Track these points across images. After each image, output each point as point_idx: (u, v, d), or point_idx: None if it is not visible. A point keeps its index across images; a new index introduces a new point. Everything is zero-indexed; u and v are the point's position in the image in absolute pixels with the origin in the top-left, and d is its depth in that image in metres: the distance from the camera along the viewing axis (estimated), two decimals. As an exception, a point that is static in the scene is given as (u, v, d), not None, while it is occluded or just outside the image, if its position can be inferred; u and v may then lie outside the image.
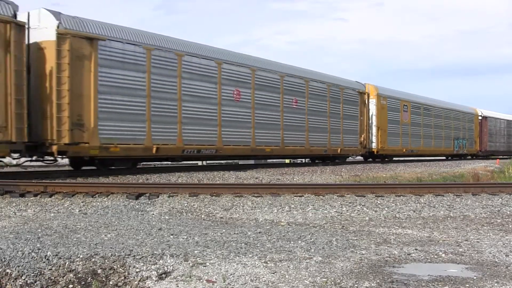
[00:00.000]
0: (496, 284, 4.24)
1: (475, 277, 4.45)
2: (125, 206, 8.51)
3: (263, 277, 4.40)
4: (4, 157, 12.87)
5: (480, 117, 40.44)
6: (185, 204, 8.70)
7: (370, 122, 26.88)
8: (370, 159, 28.47)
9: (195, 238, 5.99)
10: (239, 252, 5.24)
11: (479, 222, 7.76)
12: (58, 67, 12.87)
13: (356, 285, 4.16)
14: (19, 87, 12.13)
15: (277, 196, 9.34)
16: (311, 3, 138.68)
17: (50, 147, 12.86)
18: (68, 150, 13.15)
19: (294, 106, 21.29)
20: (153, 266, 4.76)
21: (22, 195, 9.17)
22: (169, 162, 18.63)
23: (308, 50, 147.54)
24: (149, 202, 8.83)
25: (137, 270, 4.73)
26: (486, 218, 8.10)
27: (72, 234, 6.14)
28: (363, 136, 26.05)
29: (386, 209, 8.65)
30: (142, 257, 4.94)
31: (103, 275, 4.80)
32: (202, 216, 8.09)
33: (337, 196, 9.47)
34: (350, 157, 28.10)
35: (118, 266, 4.85)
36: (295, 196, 9.35)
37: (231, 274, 4.46)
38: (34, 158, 13.75)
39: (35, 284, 4.75)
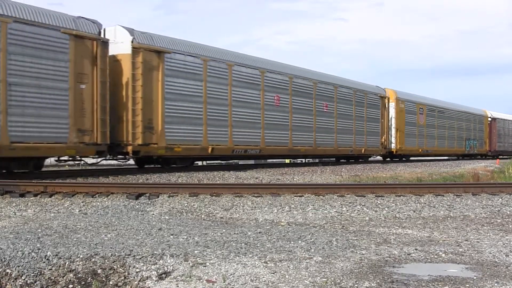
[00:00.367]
0: (496, 284, 4.24)
1: (475, 277, 4.45)
2: (125, 206, 8.51)
3: (263, 277, 4.40)
4: (87, 156, 14.77)
5: (489, 119, 42.44)
6: (185, 204, 8.69)
7: (390, 124, 28.99)
8: (388, 159, 30.42)
9: (195, 238, 5.99)
10: (239, 252, 5.24)
11: (479, 222, 7.76)
12: (133, 77, 14.85)
13: (356, 285, 4.16)
14: (103, 96, 14.02)
15: (277, 196, 9.34)
16: (311, 3, 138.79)
17: (126, 147, 14.76)
18: (140, 150, 15.05)
19: (325, 110, 23.44)
20: (153, 266, 4.76)
21: (22, 195, 9.16)
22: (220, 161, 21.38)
23: (308, 50, 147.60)
24: (149, 202, 8.83)
25: (137, 270, 4.73)
26: (486, 218, 8.10)
27: (72, 234, 6.14)
28: (383, 137, 28.20)
29: (386, 209, 8.64)
30: (142, 257, 4.94)
31: (103, 275, 4.80)
32: (202, 216, 8.09)
33: (337, 196, 9.47)
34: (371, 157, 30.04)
35: (118, 266, 4.85)
36: (295, 196, 9.35)
37: (231, 274, 4.46)
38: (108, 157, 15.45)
39: (35, 284, 4.75)
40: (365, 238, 6.27)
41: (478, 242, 6.10)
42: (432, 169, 21.44)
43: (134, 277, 4.68)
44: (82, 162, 15.44)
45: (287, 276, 4.41)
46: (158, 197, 9.15)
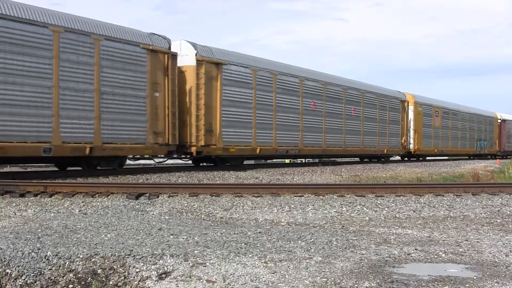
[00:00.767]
0: (496, 284, 4.24)
1: (475, 277, 4.45)
2: (125, 206, 8.51)
3: (263, 277, 4.40)
4: (156, 156, 17.07)
5: (499, 120, 44.54)
6: (185, 204, 8.69)
7: (409, 126, 30.96)
8: (406, 159, 32.28)
9: (195, 238, 5.99)
10: (239, 252, 5.24)
11: (479, 222, 7.76)
12: (197, 86, 16.78)
13: (356, 285, 4.16)
14: (173, 102, 16.02)
15: (277, 196, 9.34)
16: (311, 3, 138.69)
17: (190, 148, 16.79)
18: (203, 150, 17.02)
19: (353, 114, 25.47)
20: (153, 266, 4.76)
21: (22, 195, 9.16)
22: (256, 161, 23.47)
23: (308, 50, 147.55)
24: (149, 202, 8.83)
25: (137, 270, 4.73)
26: (486, 218, 8.10)
27: (72, 234, 6.14)
28: (403, 138, 30.29)
29: (386, 209, 8.64)
30: (142, 257, 4.94)
31: (103, 275, 4.81)
32: (202, 216, 8.09)
33: (337, 196, 9.47)
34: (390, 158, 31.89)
35: (118, 266, 4.85)
36: (295, 196, 9.35)
37: (231, 274, 4.46)
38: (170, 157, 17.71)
39: (35, 284, 4.75)
40: (365, 238, 6.28)
41: (478, 242, 6.10)
42: (432, 169, 21.45)
43: (134, 277, 4.68)
44: (154, 161, 17.88)
45: (287, 276, 4.41)
46: (158, 197, 9.15)
